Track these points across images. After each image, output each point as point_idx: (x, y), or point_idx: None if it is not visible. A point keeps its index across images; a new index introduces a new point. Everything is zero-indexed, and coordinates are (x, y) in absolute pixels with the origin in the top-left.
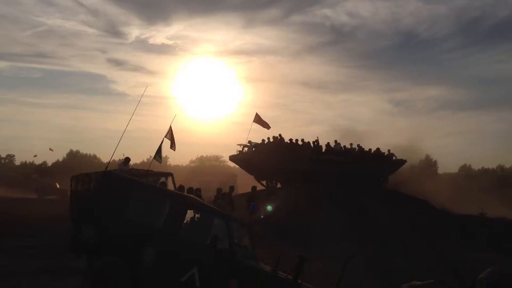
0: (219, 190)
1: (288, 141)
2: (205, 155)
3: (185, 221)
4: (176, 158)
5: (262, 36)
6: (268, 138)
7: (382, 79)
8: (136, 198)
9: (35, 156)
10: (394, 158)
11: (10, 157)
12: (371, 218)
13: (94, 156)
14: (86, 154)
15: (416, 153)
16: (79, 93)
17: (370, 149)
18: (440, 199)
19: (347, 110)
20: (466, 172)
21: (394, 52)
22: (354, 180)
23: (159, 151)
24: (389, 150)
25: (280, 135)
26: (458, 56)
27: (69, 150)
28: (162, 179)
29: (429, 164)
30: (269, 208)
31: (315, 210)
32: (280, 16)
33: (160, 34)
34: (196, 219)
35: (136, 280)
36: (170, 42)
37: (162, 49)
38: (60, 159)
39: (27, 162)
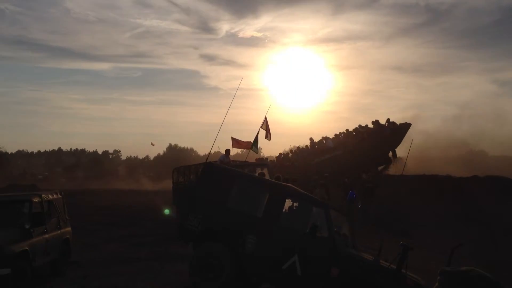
0: (315, 179)
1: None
2: (297, 145)
3: (284, 210)
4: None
5: (352, 21)
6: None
7: (484, 58)
8: (236, 188)
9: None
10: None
11: (117, 152)
12: (477, 205)
13: (191, 149)
14: (184, 148)
15: None
16: (175, 89)
17: (366, 125)
18: None
19: (446, 94)
20: None
21: (496, 28)
22: (360, 169)
23: (255, 142)
24: (388, 120)
25: (280, 153)
26: None
27: (168, 144)
28: (258, 169)
29: None
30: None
31: (415, 197)
32: None
33: (249, 27)
34: (294, 208)
35: (239, 267)
36: (259, 35)
37: (252, 42)
38: (161, 153)
39: (132, 156)
